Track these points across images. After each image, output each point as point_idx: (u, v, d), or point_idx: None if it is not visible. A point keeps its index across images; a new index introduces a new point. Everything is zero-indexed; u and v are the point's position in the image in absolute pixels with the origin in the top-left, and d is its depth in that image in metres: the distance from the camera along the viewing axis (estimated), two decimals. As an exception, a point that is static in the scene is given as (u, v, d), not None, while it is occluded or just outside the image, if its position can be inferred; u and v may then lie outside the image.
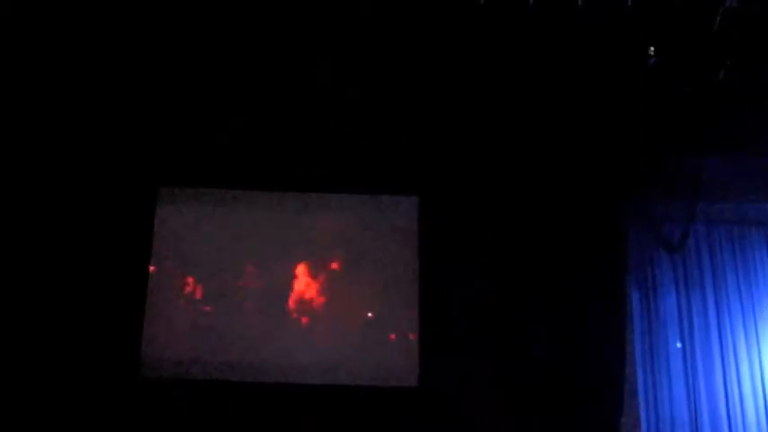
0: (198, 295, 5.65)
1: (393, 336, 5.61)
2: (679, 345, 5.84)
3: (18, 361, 5.17)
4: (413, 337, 5.56)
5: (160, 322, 5.51)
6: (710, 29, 3.97)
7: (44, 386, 5.15)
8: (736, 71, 4.24)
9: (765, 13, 3.97)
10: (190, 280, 5.67)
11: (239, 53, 5.04)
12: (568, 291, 5.45)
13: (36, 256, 5.38)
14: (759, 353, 5.81)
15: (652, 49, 4.31)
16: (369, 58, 5.01)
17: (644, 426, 5.59)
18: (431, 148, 5.69)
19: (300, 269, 5.73)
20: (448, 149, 5.68)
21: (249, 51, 5.02)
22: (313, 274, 5.73)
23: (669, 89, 4.61)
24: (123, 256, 5.50)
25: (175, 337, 5.51)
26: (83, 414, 5.13)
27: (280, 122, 5.58)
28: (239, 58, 5.08)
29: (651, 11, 4.11)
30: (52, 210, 5.49)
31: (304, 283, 5.70)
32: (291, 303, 5.66)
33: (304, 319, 5.63)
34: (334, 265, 5.76)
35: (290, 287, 5.69)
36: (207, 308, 5.62)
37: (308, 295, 5.68)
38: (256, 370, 5.46)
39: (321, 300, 5.68)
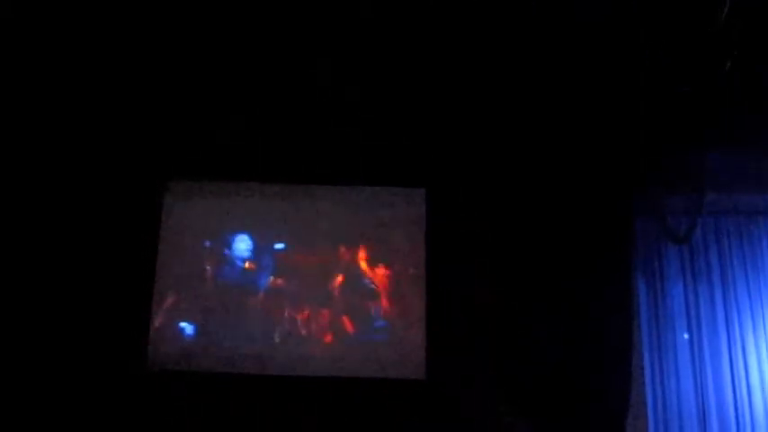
0: (204, 287, 5.68)
1: (399, 328, 5.62)
2: (686, 336, 5.83)
3: (25, 353, 5.23)
4: (419, 330, 5.57)
5: (166, 314, 5.56)
6: (713, 25, 3.93)
7: (50, 378, 5.21)
8: (741, 66, 4.20)
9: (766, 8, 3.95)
10: (196, 271, 5.69)
11: (245, 50, 5.04)
12: (575, 286, 5.45)
13: (43, 249, 5.44)
14: (766, 342, 5.79)
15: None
16: (376, 54, 5.00)
17: (651, 417, 5.59)
18: (438, 142, 5.69)
19: (307, 260, 5.74)
20: (455, 143, 5.68)
21: (254, 47, 5.01)
22: (320, 265, 5.75)
23: (674, 83, 4.57)
24: (130, 247, 5.55)
25: (181, 329, 5.55)
26: (88, 406, 5.19)
27: (288, 116, 5.59)
28: (244, 55, 5.08)
29: (652, 8, 4.08)
30: (60, 203, 5.53)
31: (311, 274, 5.72)
32: (298, 294, 5.67)
33: (310, 311, 5.65)
34: (342, 256, 5.77)
35: (296, 278, 5.70)
36: (213, 300, 5.65)
37: (314, 286, 5.70)
38: (263, 362, 5.50)
39: (328, 290, 5.69)
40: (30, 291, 5.35)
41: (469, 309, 5.53)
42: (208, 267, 5.72)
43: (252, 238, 5.79)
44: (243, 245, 5.77)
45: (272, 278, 5.72)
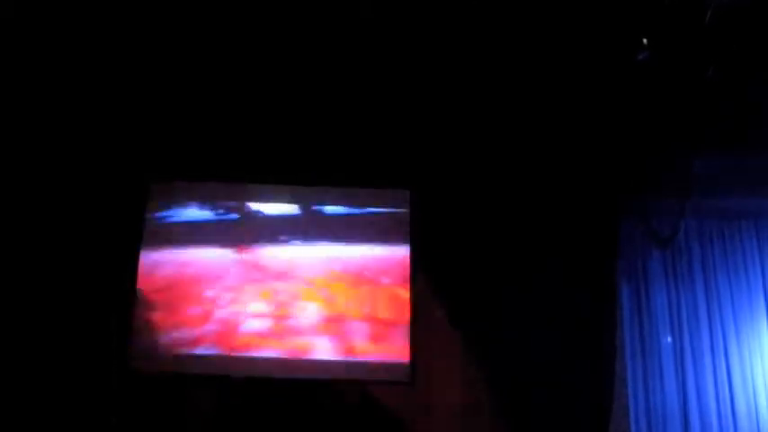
0: (189, 288, 5.64)
1: (384, 330, 5.60)
2: (669, 339, 5.85)
3: (4, 355, 5.16)
4: (404, 331, 5.55)
5: (149, 316, 5.51)
6: (698, 29, 3.96)
7: (31, 380, 5.14)
8: (726, 70, 4.24)
9: (755, 8, 3.97)
10: (181, 273, 5.65)
11: (227, 51, 5.00)
12: (559, 288, 5.48)
13: (25, 252, 5.38)
14: (749, 346, 5.84)
15: (645, 41, 4.28)
16: (359, 56, 4.98)
17: (633, 419, 5.61)
18: (423, 143, 5.68)
19: (294, 262, 5.72)
20: (440, 144, 5.67)
21: (237, 49, 4.98)
22: (307, 267, 5.72)
23: (660, 86, 4.60)
24: (113, 249, 5.50)
25: (165, 332, 5.50)
26: (71, 407, 5.14)
27: (272, 118, 5.55)
28: (227, 56, 5.04)
29: (642, 7, 4.10)
30: (42, 206, 5.48)
31: (298, 277, 5.69)
32: (283, 296, 5.64)
33: (296, 313, 5.61)
34: (326, 257, 5.75)
35: (283, 280, 5.68)
36: (198, 301, 5.60)
37: (300, 288, 5.66)
38: (247, 365, 5.45)
39: (314, 293, 5.66)
40: (11, 293, 5.28)
41: (455, 310, 5.55)
42: (192, 269, 5.68)
43: (237, 238, 5.76)
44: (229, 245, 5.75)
45: (257, 280, 5.69)
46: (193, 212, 5.80)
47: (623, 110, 5.03)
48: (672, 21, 4.16)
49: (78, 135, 5.55)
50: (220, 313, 5.57)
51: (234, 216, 5.82)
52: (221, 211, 5.82)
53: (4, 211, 5.41)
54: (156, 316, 5.52)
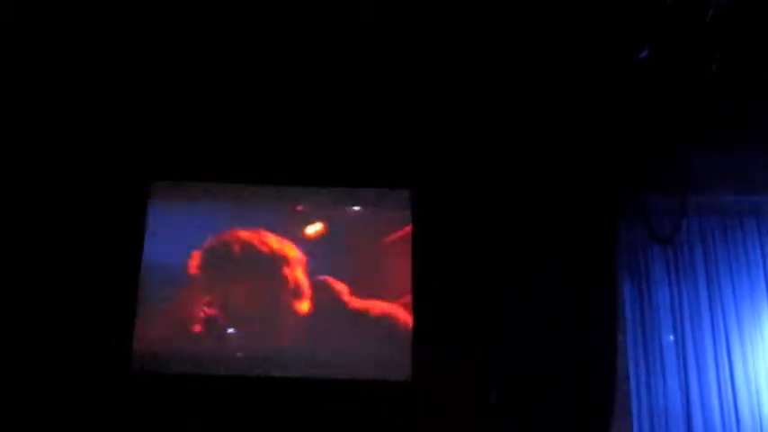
0: (190, 289, 5.64)
1: (385, 329, 5.60)
2: (672, 337, 5.84)
3: (5, 356, 5.18)
4: (405, 330, 5.56)
5: (150, 316, 5.52)
6: (699, 26, 3.95)
7: (32, 379, 5.17)
8: (726, 67, 4.23)
9: (756, 8, 3.96)
10: (182, 273, 5.66)
11: (227, 51, 5.01)
12: (561, 287, 5.48)
13: (27, 252, 5.41)
14: (752, 343, 5.80)
15: (646, 39, 4.28)
16: (358, 56, 4.98)
17: (636, 418, 5.59)
18: (422, 143, 5.69)
19: (294, 262, 5.73)
20: (440, 144, 5.69)
21: (236, 49, 4.98)
22: (307, 266, 5.73)
23: (660, 84, 4.59)
24: (115, 249, 5.52)
25: (166, 332, 5.51)
26: (72, 408, 5.16)
27: (272, 118, 5.57)
28: (226, 56, 5.04)
29: (643, 6, 4.10)
30: (44, 205, 5.51)
31: (298, 276, 5.70)
32: (285, 296, 5.65)
33: (297, 312, 5.62)
34: (328, 258, 5.75)
35: (283, 280, 5.68)
36: (199, 301, 5.61)
37: (301, 288, 5.67)
38: (249, 364, 5.48)
39: (313, 291, 5.67)
40: (12, 293, 5.31)
41: (455, 310, 5.55)
42: (192, 269, 5.68)
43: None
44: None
45: (256, 280, 5.68)
46: (194, 212, 5.81)
47: (623, 108, 5.03)
48: (673, 20, 4.15)
49: (79, 134, 5.57)
50: (219, 312, 5.59)
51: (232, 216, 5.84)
52: (222, 211, 5.84)
53: (3, 209, 5.43)
54: (156, 316, 5.54)
